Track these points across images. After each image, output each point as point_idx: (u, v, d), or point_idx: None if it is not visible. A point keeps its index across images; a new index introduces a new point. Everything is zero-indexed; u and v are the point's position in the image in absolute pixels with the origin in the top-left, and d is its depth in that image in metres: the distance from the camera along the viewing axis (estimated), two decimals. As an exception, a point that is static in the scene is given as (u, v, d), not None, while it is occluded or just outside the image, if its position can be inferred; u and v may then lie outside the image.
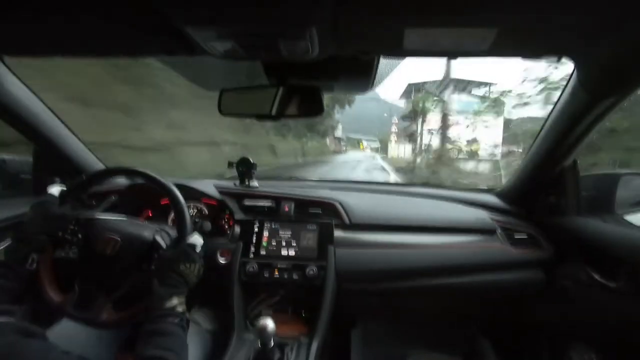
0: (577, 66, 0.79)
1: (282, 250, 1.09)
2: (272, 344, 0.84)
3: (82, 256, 0.85)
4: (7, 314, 0.62)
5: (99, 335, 0.94)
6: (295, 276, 1.03)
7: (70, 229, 0.86)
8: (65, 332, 0.85)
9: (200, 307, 1.12)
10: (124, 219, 0.93)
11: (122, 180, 1.32)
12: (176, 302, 0.70)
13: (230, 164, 1.27)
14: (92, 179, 0.95)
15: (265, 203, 1.20)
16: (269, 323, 0.81)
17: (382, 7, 0.53)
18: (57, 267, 0.88)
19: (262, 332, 0.81)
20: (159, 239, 0.89)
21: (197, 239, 0.84)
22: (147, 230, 0.90)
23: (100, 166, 1.31)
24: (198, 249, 0.83)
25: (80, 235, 0.86)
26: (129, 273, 0.86)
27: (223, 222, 1.22)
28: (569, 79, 0.86)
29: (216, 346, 0.98)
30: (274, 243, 1.10)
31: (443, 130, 9.35)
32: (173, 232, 0.92)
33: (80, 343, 0.88)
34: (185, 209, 0.90)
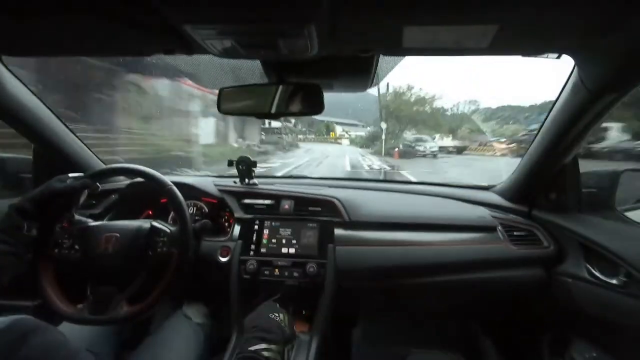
0: (578, 63, 0.78)
1: (282, 248, 1.09)
2: None
3: (85, 262, 0.87)
4: (19, 311, 0.62)
5: (103, 332, 0.94)
6: (295, 274, 1.04)
7: (66, 245, 0.88)
8: (69, 329, 0.85)
9: (192, 302, 1.13)
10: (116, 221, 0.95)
11: (122, 179, 1.33)
12: (262, 347, 0.68)
13: (230, 162, 1.28)
14: (92, 178, 0.95)
15: (265, 201, 1.21)
16: None
17: (381, 5, 0.53)
18: (61, 276, 0.89)
19: None
20: (156, 224, 0.92)
21: (274, 307, 0.84)
22: (142, 221, 0.93)
23: (100, 165, 1.32)
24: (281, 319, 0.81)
25: (77, 247, 0.88)
26: (136, 264, 0.88)
27: (223, 220, 1.22)
28: (569, 76, 0.85)
29: (208, 341, 0.99)
30: (274, 241, 1.10)
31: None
32: (173, 228, 0.94)
33: (84, 340, 0.89)
34: (184, 206, 0.91)
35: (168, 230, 0.92)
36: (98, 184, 0.90)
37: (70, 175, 0.86)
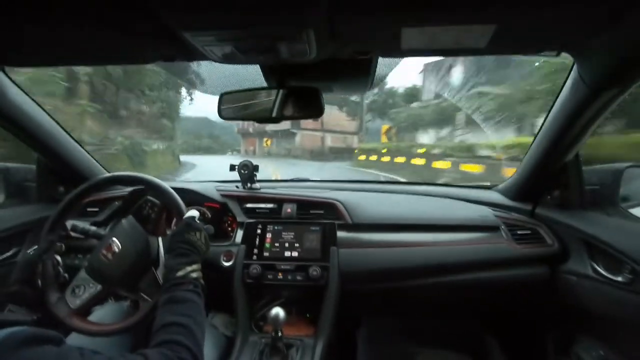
0: (577, 60, 0.78)
1: (285, 251, 1.09)
2: (281, 333, 0.87)
3: (108, 283, 0.87)
4: (17, 324, 0.62)
5: (115, 340, 0.94)
6: (298, 277, 1.04)
7: (81, 291, 0.89)
8: (84, 340, 0.85)
9: (219, 312, 1.13)
10: None
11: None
12: (189, 269, 0.72)
13: (232, 167, 1.28)
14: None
15: (268, 205, 1.21)
16: (280, 312, 0.86)
17: (379, 7, 0.53)
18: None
19: (275, 320, 0.85)
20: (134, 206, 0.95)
21: (193, 212, 0.88)
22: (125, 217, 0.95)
23: (103, 172, 1.32)
24: (197, 219, 0.86)
25: (92, 284, 0.89)
26: (148, 242, 0.90)
27: (226, 225, 1.22)
28: (569, 73, 0.85)
29: (231, 350, 0.99)
30: (277, 245, 1.10)
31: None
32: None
33: (95, 342, 0.89)
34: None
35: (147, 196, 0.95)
36: (60, 243, 0.94)
37: (28, 250, 0.89)
